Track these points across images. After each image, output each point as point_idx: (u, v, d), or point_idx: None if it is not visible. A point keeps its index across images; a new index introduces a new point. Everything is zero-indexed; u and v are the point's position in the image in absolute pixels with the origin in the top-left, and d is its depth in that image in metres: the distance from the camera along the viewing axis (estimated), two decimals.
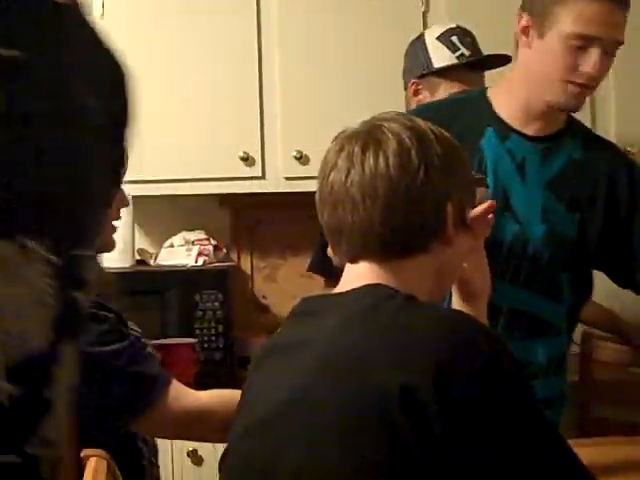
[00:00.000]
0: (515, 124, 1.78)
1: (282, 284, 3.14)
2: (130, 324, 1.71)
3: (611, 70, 1.76)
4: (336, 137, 1.26)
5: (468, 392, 1.05)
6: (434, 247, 1.22)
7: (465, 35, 2.37)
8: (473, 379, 1.06)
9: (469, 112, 1.83)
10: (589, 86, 1.71)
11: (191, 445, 2.49)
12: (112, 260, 2.70)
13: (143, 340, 1.69)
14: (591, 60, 1.67)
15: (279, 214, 3.02)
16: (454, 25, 2.39)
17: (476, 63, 2.34)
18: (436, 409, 1.03)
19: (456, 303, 1.47)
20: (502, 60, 2.18)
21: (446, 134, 1.27)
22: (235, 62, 2.90)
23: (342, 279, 1.25)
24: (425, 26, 2.91)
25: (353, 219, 1.20)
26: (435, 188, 1.21)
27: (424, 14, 2.97)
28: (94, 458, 1.76)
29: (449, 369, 1.05)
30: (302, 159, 2.83)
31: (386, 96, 2.53)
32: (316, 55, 2.88)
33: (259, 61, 2.90)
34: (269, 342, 1.31)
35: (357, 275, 1.22)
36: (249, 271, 3.15)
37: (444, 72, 2.34)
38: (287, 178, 2.87)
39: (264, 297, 3.16)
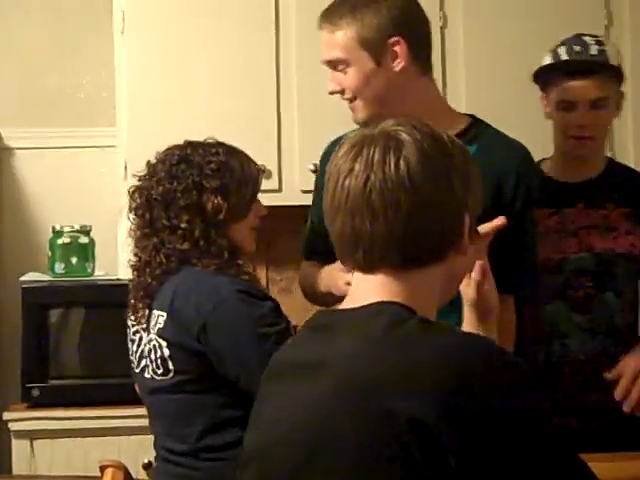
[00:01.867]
0: None
1: (298, 296, 3.13)
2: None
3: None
4: (345, 141, 1.21)
5: (481, 418, 1.02)
6: (449, 257, 1.19)
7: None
8: (486, 403, 1.03)
9: None
10: None
11: None
12: (129, 272, 2.72)
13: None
14: None
15: (295, 227, 3.01)
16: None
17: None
18: (449, 441, 1.00)
19: (470, 322, 1.47)
20: None
21: (460, 143, 1.24)
22: (253, 75, 2.92)
23: (354, 289, 1.21)
24: (443, 41, 2.94)
25: (372, 229, 1.14)
26: (456, 198, 1.18)
27: (442, 29, 3.00)
28: (111, 469, 1.77)
29: (459, 397, 1.02)
30: (318, 172, 2.84)
31: None
32: None
33: (277, 74, 2.93)
34: (285, 355, 1.26)
35: (371, 287, 1.18)
36: (265, 284, 3.15)
37: None
38: (303, 191, 2.88)
39: None
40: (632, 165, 2.37)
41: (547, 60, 2.21)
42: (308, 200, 2.79)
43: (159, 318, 1.85)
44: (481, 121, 1.94)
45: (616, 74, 2.18)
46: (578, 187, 2.20)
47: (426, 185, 1.15)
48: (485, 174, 1.72)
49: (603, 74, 2.14)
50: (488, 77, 3.06)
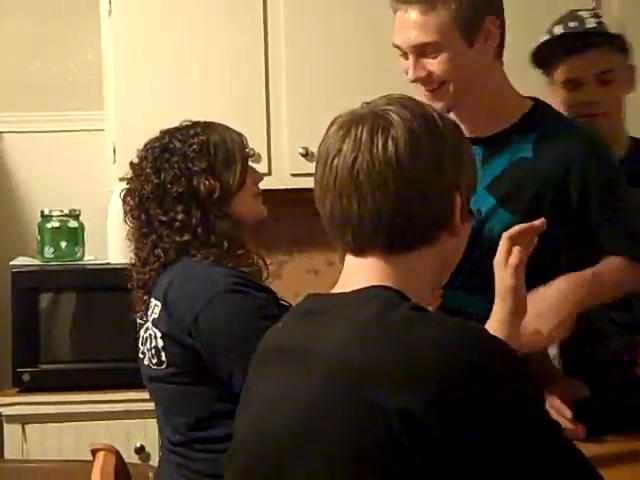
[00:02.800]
0: None
1: (287, 280, 3.15)
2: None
3: None
4: (335, 120, 1.19)
5: (475, 408, 1.00)
6: (441, 239, 1.17)
7: None
8: (480, 393, 1.00)
9: None
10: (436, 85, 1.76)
11: None
12: (119, 256, 2.72)
13: None
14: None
15: (285, 211, 3.02)
16: None
17: None
18: (440, 431, 0.98)
19: (499, 316, 1.40)
20: None
21: (452, 120, 1.22)
22: (241, 58, 2.91)
23: (345, 273, 1.19)
24: None
25: (360, 210, 1.13)
26: (446, 179, 1.16)
27: None
28: (102, 452, 1.77)
29: (451, 387, 1.00)
30: (308, 156, 2.84)
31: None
32: (322, 52, 2.89)
33: (265, 57, 2.91)
34: (274, 340, 1.24)
35: (361, 270, 1.16)
36: None
37: None
38: (293, 175, 2.88)
39: None
40: None
41: (543, 40, 2.12)
42: (298, 184, 2.80)
43: (155, 308, 1.84)
44: (544, 104, 1.87)
45: (619, 45, 2.07)
46: None
47: (414, 166, 1.13)
48: (548, 159, 1.76)
49: (604, 46, 2.04)
50: None
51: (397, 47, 1.77)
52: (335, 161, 1.14)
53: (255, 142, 2.88)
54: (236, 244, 1.88)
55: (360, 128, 1.14)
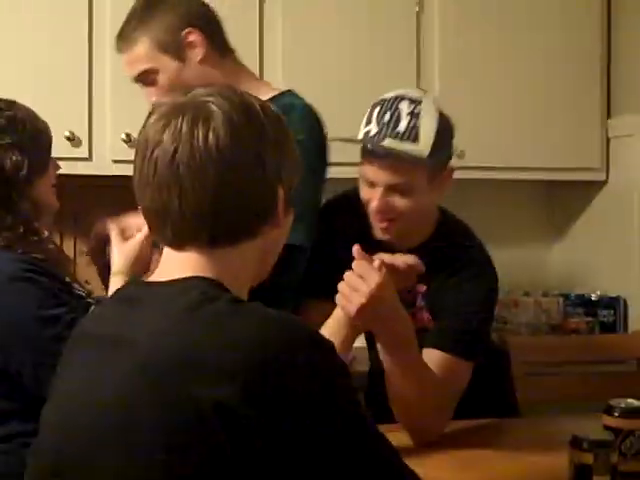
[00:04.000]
0: None
1: None
2: (76, 286, 1.78)
3: None
4: (154, 109, 1.16)
5: (288, 399, 1.00)
6: (263, 231, 1.16)
7: None
8: (294, 384, 1.01)
9: None
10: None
11: None
12: None
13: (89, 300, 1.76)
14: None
15: (105, 198, 2.93)
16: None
17: None
18: (254, 423, 0.98)
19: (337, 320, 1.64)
20: None
21: (274, 111, 1.20)
22: (63, 37, 2.80)
23: (163, 264, 1.17)
24: (419, 27, 3.07)
25: (181, 204, 1.10)
26: (268, 171, 1.14)
27: (417, 15, 3.09)
28: None
29: (266, 378, 1.00)
30: (131, 142, 2.76)
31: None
32: None
33: (89, 35, 2.81)
34: (88, 327, 1.20)
35: (181, 263, 1.14)
36: (72, 255, 3.05)
37: None
38: (115, 161, 2.80)
39: (87, 282, 3.06)
40: None
41: (367, 114, 1.82)
42: (119, 170, 2.72)
43: None
44: (295, 95, 1.94)
45: (421, 160, 1.76)
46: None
47: (235, 159, 1.11)
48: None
49: (405, 161, 1.76)
50: (462, 62, 3.15)
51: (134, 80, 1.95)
52: (155, 152, 1.11)
53: (75, 125, 2.79)
54: (32, 230, 1.79)
55: (181, 119, 1.11)
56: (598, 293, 3.27)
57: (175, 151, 1.10)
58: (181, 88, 1.79)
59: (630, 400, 1.61)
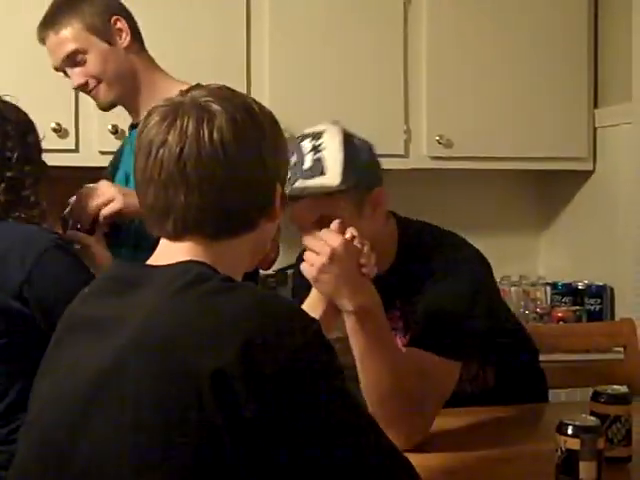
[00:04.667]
0: None
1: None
2: None
3: None
4: (154, 110, 1.20)
5: (277, 373, 1.03)
6: (260, 224, 1.22)
7: None
8: (282, 360, 1.04)
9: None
10: None
11: None
12: None
13: None
14: None
15: None
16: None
17: None
18: (246, 393, 1.01)
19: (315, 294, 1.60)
20: None
21: (268, 110, 1.25)
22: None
23: (159, 252, 1.21)
24: (406, 18, 3.08)
25: (187, 201, 1.15)
26: (268, 168, 1.21)
27: (405, 5, 3.09)
28: None
29: (257, 350, 1.03)
30: (118, 133, 2.76)
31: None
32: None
33: None
34: (80, 308, 1.23)
35: (179, 250, 1.18)
36: None
37: None
38: (102, 152, 2.79)
39: None
40: None
41: None
42: (106, 161, 2.70)
43: None
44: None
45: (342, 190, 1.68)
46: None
47: (240, 157, 1.16)
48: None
49: (317, 195, 1.68)
50: (449, 52, 3.15)
51: (58, 71, 2.14)
52: (160, 152, 1.16)
53: (62, 116, 2.78)
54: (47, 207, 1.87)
55: (186, 119, 1.16)
56: (585, 282, 3.28)
57: (181, 150, 1.14)
58: (109, 72, 2.09)
59: (616, 386, 1.62)
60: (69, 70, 2.11)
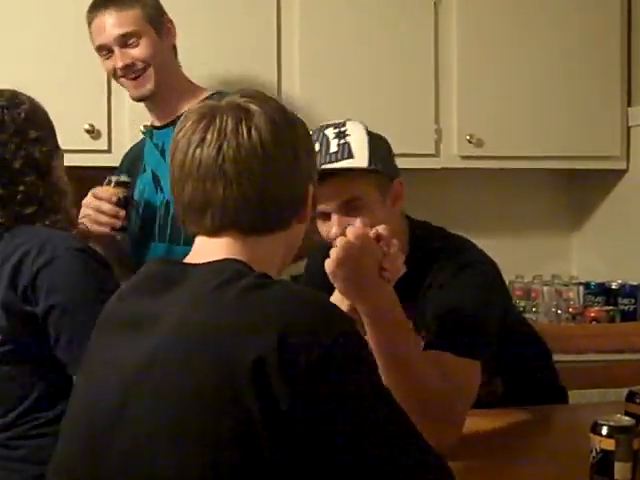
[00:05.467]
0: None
1: None
2: None
3: None
4: (191, 113, 1.23)
5: (311, 365, 1.04)
6: (293, 224, 1.25)
7: None
8: (316, 353, 1.05)
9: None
10: None
11: None
12: None
13: None
14: None
15: None
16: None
17: None
18: (281, 384, 1.03)
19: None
20: None
21: (298, 116, 1.29)
22: (82, 30, 2.80)
23: (196, 250, 1.23)
24: (437, 18, 3.08)
25: (225, 195, 1.18)
26: (302, 168, 1.24)
27: (435, 5, 3.09)
28: None
29: (292, 343, 1.05)
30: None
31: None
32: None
33: None
34: (118, 306, 1.26)
35: (217, 247, 1.21)
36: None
37: None
38: None
39: None
40: None
41: None
42: None
43: None
44: (220, 93, 1.99)
45: (364, 170, 1.72)
46: None
47: (277, 154, 1.20)
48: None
49: (346, 175, 1.71)
50: (481, 52, 3.14)
51: (102, 47, 2.27)
52: (198, 150, 1.19)
53: (95, 118, 2.81)
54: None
55: (225, 118, 1.19)
56: (619, 282, 3.25)
57: (220, 147, 1.18)
58: (158, 60, 2.23)
59: None
60: (117, 50, 2.23)
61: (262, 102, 1.23)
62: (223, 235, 1.21)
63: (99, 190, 2.18)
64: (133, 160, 2.46)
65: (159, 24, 2.29)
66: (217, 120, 1.19)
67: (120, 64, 2.23)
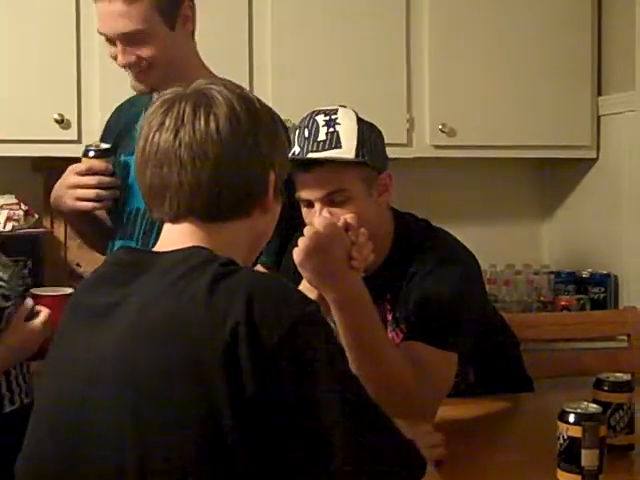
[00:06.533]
0: None
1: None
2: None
3: None
4: (158, 98, 1.24)
5: (274, 348, 1.05)
6: (254, 213, 1.24)
7: None
8: (280, 335, 1.06)
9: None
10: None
11: None
12: None
13: None
14: None
15: None
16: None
17: None
18: (247, 368, 1.04)
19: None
20: None
21: (269, 106, 1.29)
22: (50, 18, 2.78)
23: (162, 238, 1.24)
24: (409, 8, 3.07)
25: (180, 179, 1.18)
26: (261, 155, 1.22)
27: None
28: None
29: (257, 326, 1.06)
30: None
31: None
32: None
33: (77, 19, 2.79)
34: (85, 295, 1.26)
35: (179, 235, 1.21)
36: (63, 238, 3.05)
37: None
38: None
39: (78, 265, 3.07)
40: None
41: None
42: None
43: None
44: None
45: (349, 162, 1.70)
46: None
47: (233, 140, 1.19)
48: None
49: (330, 166, 1.70)
50: (452, 41, 3.14)
51: (103, 35, 1.93)
52: (157, 135, 1.20)
53: (64, 107, 2.78)
54: None
55: (183, 104, 1.20)
56: (589, 270, 3.28)
57: (177, 131, 1.18)
58: (164, 59, 1.93)
59: (619, 374, 1.62)
60: (121, 46, 1.97)
61: (225, 89, 1.22)
62: (182, 221, 1.21)
63: (84, 166, 2.03)
64: (122, 132, 2.20)
65: (172, 14, 1.97)
66: (177, 105, 1.20)
67: (122, 62, 1.98)
